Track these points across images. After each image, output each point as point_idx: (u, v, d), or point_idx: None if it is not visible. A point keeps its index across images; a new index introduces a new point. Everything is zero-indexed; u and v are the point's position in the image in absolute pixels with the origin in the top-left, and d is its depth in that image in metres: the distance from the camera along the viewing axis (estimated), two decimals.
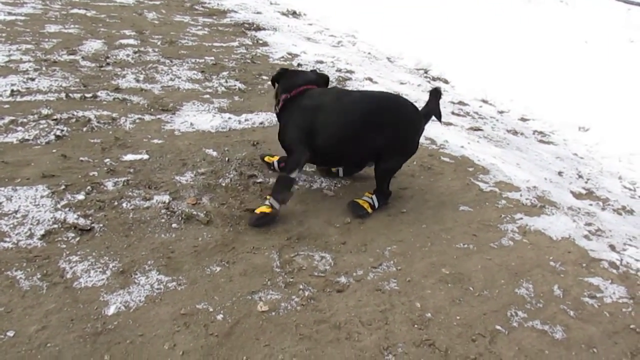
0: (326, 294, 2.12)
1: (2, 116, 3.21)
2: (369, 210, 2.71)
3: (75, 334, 1.76)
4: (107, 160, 2.89)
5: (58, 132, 3.10)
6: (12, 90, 3.61)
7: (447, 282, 2.30)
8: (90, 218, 2.37)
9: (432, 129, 4.09)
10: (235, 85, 4.43)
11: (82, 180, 2.66)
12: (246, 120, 3.72)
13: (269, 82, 4.68)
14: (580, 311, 2.24)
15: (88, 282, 1.99)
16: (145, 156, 3.00)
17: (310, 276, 2.22)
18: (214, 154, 3.15)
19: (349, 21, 7.69)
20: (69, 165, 2.78)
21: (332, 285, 2.18)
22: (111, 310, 1.88)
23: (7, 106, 3.37)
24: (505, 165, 3.62)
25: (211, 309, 1.95)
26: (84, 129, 3.23)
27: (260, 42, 6.18)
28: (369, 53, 6.55)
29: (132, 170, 2.83)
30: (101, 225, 2.33)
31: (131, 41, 5.32)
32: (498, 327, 2.07)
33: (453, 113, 4.71)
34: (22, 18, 5.61)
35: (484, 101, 5.29)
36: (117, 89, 3.96)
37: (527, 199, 3.16)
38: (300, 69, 5.12)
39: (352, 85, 4.94)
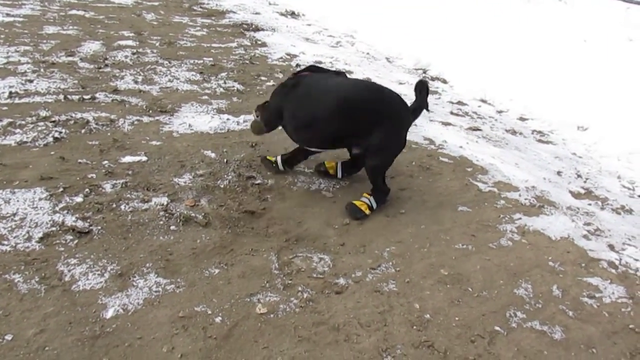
0: (325, 296, 2.12)
1: (0, 118, 3.21)
2: (367, 212, 2.70)
3: (74, 337, 1.76)
4: (106, 162, 2.89)
5: (56, 134, 3.10)
6: (10, 92, 3.61)
7: (446, 283, 2.30)
8: (88, 220, 2.37)
9: (430, 129, 4.09)
10: (233, 86, 4.43)
11: (80, 182, 2.66)
12: (245, 121, 3.72)
13: (268, 83, 4.70)
14: (579, 311, 2.24)
15: (86, 285, 1.99)
16: (144, 158, 2.99)
17: (308, 278, 2.21)
18: (213, 155, 3.14)
19: (347, 21, 7.69)
20: (67, 168, 2.77)
21: (330, 286, 2.18)
22: (109, 313, 1.88)
23: (5, 108, 3.37)
24: (504, 165, 3.61)
25: (210, 312, 1.95)
26: (82, 130, 3.23)
27: (259, 42, 6.18)
28: (368, 53, 6.55)
29: (130, 172, 2.82)
30: (99, 227, 2.33)
31: (130, 42, 5.31)
32: (497, 328, 2.07)
33: (452, 113, 4.71)
34: (21, 19, 5.61)
35: (483, 101, 5.29)
36: (116, 91, 3.95)
37: (525, 199, 3.16)
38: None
39: None
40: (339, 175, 3.05)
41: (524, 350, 1.98)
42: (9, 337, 1.72)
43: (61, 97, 3.66)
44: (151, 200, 2.59)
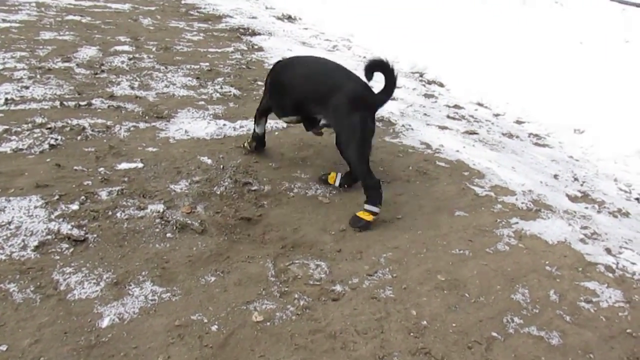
0: (321, 303, 2.12)
1: None
2: (368, 218, 2.67)
3: (69, 347, 1.75)
4: (101, 169, 2.88)
5: (52, 141, 3.09)
6: (6, 99, 3.60)
7: (442, 289, 2.29)
8: (84, 228, 2.36)
9: (427, 133, 4.09)
10: (230, 92, 4.43)
11: (76, 189, 2.65)
12: (241, 126, 3.72)
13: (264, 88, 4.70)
14: (576, 316, 2.24)
15: (82, 294, 1.98)
16: (140, 165, 2.99)
17: (305, 285, 2.21)
18: (209, 161, 3.14)
19: (344, 25, 7.69)
20: (62, 175, 2.77)
21: (327, 293, 2.17)
22: (105, 323, 1.87)
23: (0, 115, 3.36)
24: (500, 169, 3.62)
25: (206, 320, 1.95)
26: (78, 137, 3.22)
27: (256, 47, 6.18)
28: (365, 57, 6.55)
29: (126, 179, 2.82)
30: (95, 235, 2.32)
31: (126, 47, 5.31)
32: (494, 334, 2.07)
33: (448, 117, 4.71)
34: (17, 25, 5.60)
35: (480, 104, 5.29)
36: (112, 97, 3.95)
37: (522, 203, 3.16)
38: None
39: None
40: (337, 183, 3.05)
41: (521, 356, 1.98)
42: (3, 348, 1.71)
43: (57, 103, 3.66)
44: (147, 207, 2.58)
